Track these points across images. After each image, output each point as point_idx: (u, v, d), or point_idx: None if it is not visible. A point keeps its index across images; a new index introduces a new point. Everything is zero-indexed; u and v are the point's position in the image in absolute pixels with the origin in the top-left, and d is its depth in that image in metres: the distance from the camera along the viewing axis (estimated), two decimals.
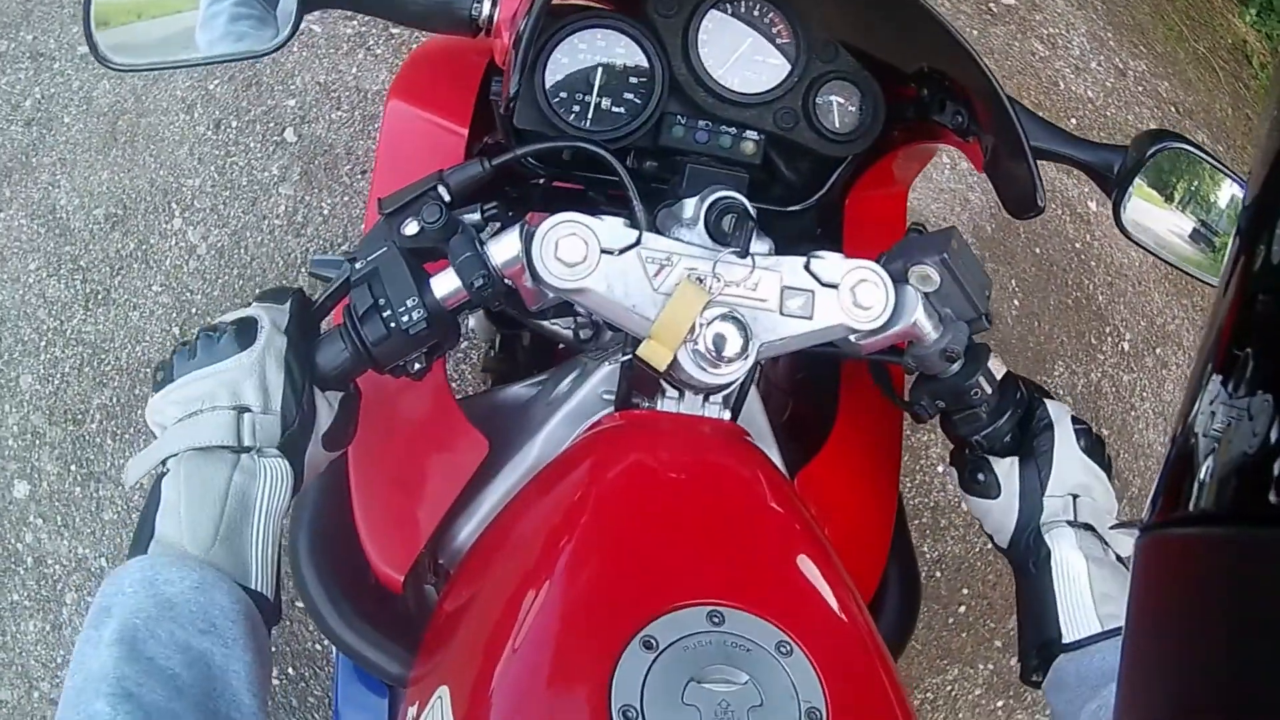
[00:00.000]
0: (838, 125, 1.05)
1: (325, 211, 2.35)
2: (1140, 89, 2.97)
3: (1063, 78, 2.87)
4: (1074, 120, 2.83)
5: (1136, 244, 1.03)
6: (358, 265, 0.87)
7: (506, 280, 0.87)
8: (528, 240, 0.84)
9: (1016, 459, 0.97)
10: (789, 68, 1.04)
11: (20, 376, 2.14)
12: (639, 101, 1.02)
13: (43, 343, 2.16)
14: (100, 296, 2.20)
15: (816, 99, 1.05)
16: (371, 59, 2.54)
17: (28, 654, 1.99)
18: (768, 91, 1.04)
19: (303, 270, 2.27)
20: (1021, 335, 2.53)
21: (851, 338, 0.90)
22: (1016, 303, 2.54)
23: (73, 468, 2.07)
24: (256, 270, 2.26)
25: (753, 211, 0.92)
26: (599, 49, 1.01)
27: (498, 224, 0.92)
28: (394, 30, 2.56)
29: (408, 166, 1.07)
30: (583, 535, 0.75)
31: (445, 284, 0.86)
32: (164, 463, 0.79)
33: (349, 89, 2.51)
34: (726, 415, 0.91)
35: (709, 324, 0.83)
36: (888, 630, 1.09)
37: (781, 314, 0.87)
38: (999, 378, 0.98)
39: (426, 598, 1.05)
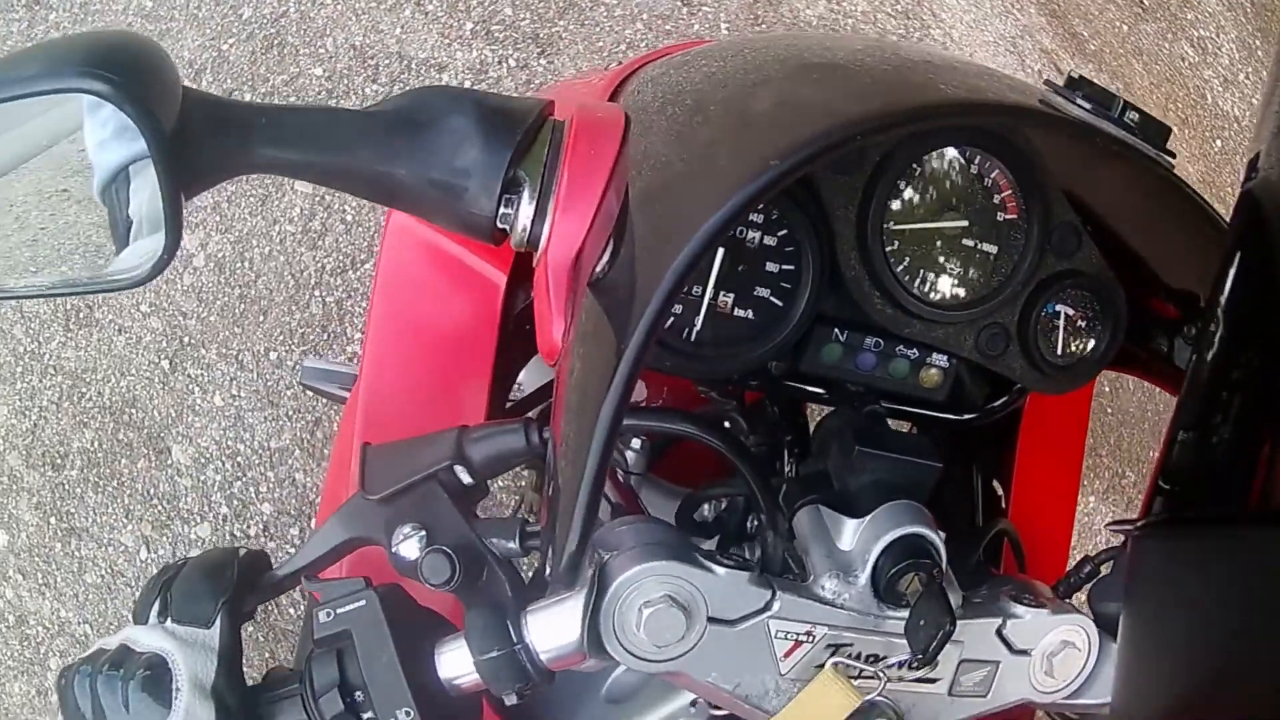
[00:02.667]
0: (1059, 351, 0.74)
1: (349, 218, 2.01)
2: None
3: (1210, 89, 2.47)
4: (1219, 142, 2.45)
5: None
6: (323, 616, 0.61)
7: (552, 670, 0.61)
8: (593, 604, 0.58)
9: None
10: (1010, 262, 0.72)
11: None
12: (777, 303, 0.70)
13: (19, 368, 1.87)
14: (82, 315, 1.89)
15: (1039, 310, 0.73)
16: (421, 16, 2.14)
17: (14, 716, 1.79)
18: (977, 301, 0.72)
19: (315, 294, 1.95)
20: (1140, 403, 2.23)
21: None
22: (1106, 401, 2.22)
23: (52, 520, 1.82)
24: (262, 290, 1.94)
25: (951, 581, 0.63)
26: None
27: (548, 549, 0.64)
28: None
29: (418, 313, 0.81)
30: None
31: (461, 671, 0.61)
32: None
33: (389, 55, 2.11)
34: None
35: None
36: None
37: (951, 694, 0.64)
38: None
39: None
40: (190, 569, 0.65)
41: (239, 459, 1.85)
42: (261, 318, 1.93)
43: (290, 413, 1.88)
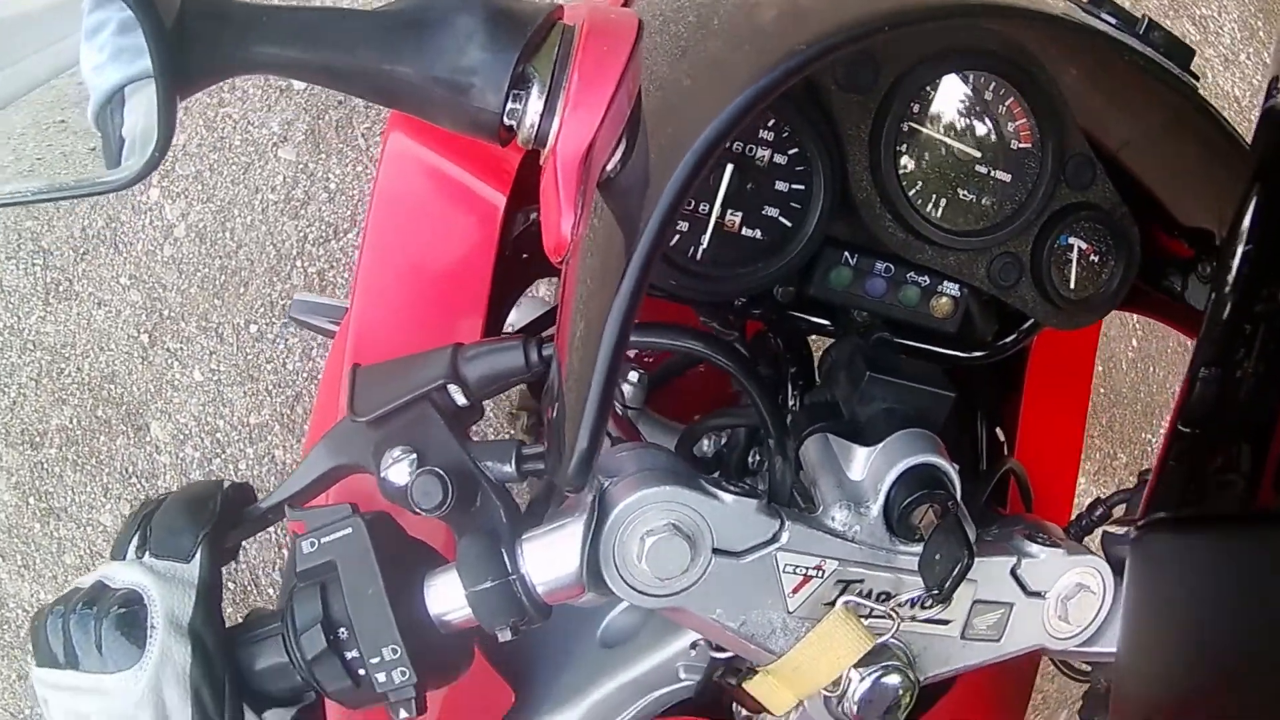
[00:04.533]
0: (1071, 285, 0.72)
1: (331, 186, 1.96)
2: None
3: (1211, 68, 2.40)
4: None
5: None
6: (306, 545, 0.57)
7: (549, 602, 0.58)
8: (593, 532, 0.55)
9: None
10: (1024, 191, 0.70)
11: None
12: (786, 223, 0.68)
13: None
14: (62, 288, 1.85)
15: (1051, 243, 0.71)
16: None
17: None
18: (990, 228, 0.69)
19: (297, 264, 1.91)
20: (1134, 384, 2.18)
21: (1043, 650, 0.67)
22: (1135, 343, 2.18)
23: (31, 500, 1.79)
24: (243, 261, 1.90)
25: (965, 514, 0.60)
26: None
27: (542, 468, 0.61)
28: None
29: (413, 239, 0.78)
30: None
31: (451, 606, 0.58)
32: None
33: None
34: None
35: (864, 677, 0.59)
36: None
37: (963, 637, 0.63)
38: None
39: None
40: (171, 502, 0.62)
41: (218, 435, 1.82)
42: (242, 289, 1.89)
43: (270, 387, 1.85)
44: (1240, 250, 0.43)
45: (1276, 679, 0.32)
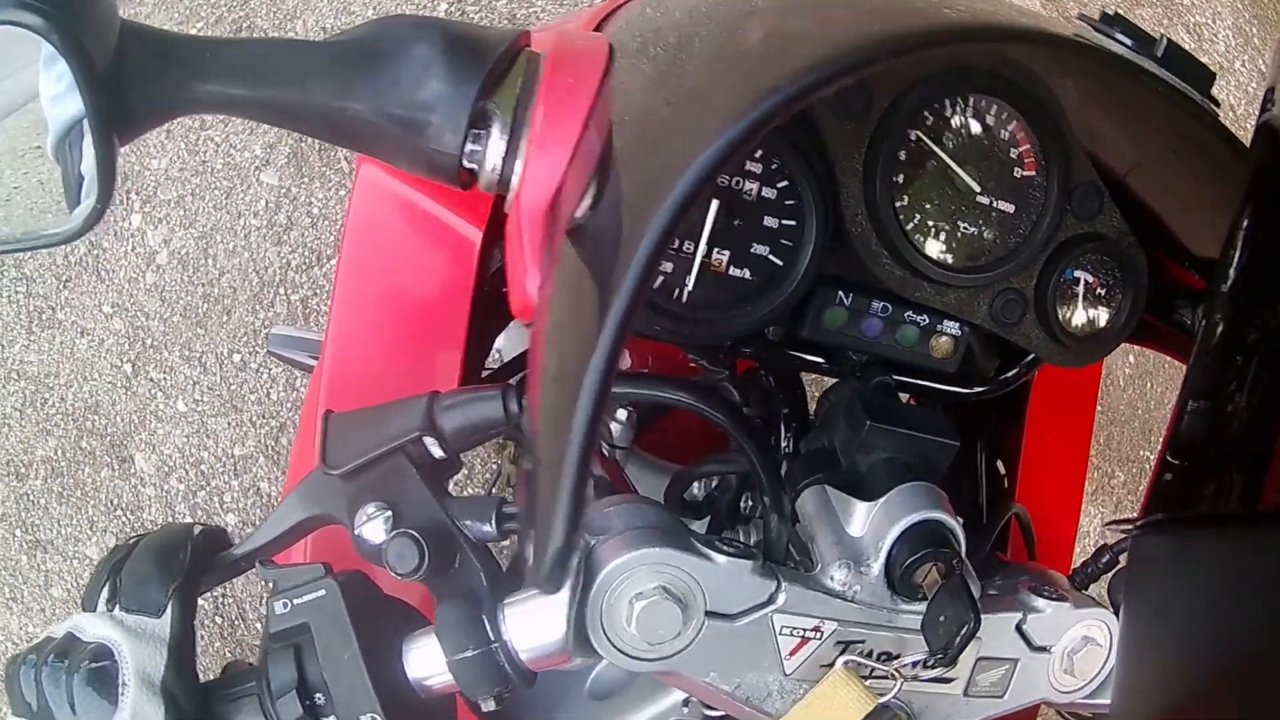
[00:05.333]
0: (1077, 321, 0.69)
1: (314, 210, 1.94)
2: None
3: None
4: None
5: None
6: (279, 606, 0.55)
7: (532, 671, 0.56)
8: (579, 595, 0.53)
9: None
10: (1028, 223, 0.66)
11: None
12: (777, 262, 0.64)
13: None
14: (45, 316, 1.84)
15: (1057, 276, 0.67)
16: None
17: None
18: (992, 264, 0.66)
19: (280, 292, 1.89)
20: (1131, 400, 2.15)
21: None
22: (1131, 359, 2.15)
23: (18, 532, 1.79)
24: (225, 289, 1.88)
25: (970, 571, 0.58)
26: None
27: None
28: None
29: (386, 272, 0.74)
30: None
31: (431, 671, 0.55)
32: None
33: None
34: None
35: None
36: None
37: (966, 694, 0.60)
38: None
39: None
40: (141, 550, 0.60)
41: (202, 467, 1.81)
42: (225, 317, 1.87)
43: (254, 418, 1.84)
44: (1234, 268, 0.42)
45: (1276, 680, 0.32)
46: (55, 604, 1.78)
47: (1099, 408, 2.10)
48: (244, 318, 1.88)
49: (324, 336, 0.83)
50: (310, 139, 1.96)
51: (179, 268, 1.89)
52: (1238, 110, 2.37)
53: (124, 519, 1.79)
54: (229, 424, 1.82)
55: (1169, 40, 0.56)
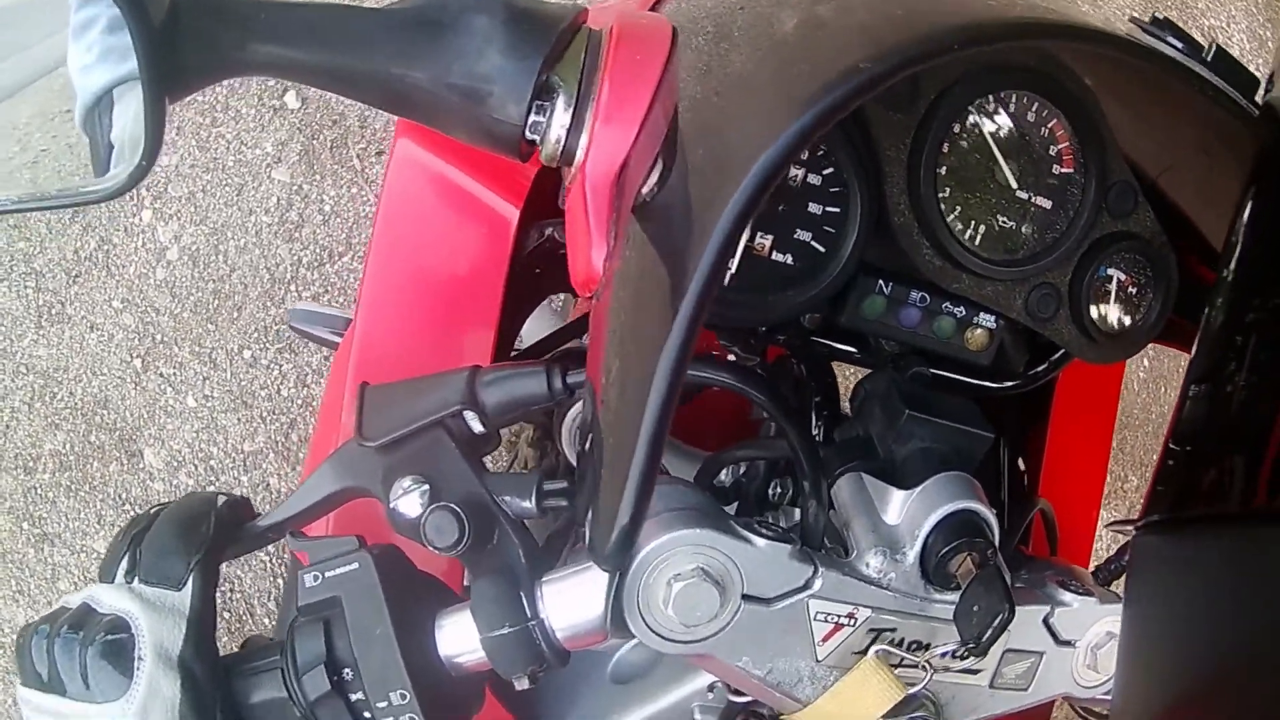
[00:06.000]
0: (1110, 319, 0.70)
1: (326, 208, 1.94)
2: None
3: None
4: None
5: None
6: (309, 579, 0.55)
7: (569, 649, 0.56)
8: (619, 581, 0.53)
9: None
10: (1065, 219, 0.67)
11: None
12: (820, 249, 0.64)
13: None
14: (54, 311, 1.84)
15: (1090, 274, 0.68)
16: None
17: None
18: (1030, 257, 0.67)
19: (291, 289, 1.89)
20: (1145, 405, 2.15)
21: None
22: (1146, 363, 2.14)
23: (25, 525, 1.78)
24: (236, 285, 1.88)
25: (1004, 563, 0.58)
26: None
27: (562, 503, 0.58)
28: None
29: (420, 248, 0.75)
30: None
31: (463, 649, 0.55)
32: None
33: None
34: None
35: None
36: None
37: (992, 686, 0.61)
38: None
39: None
40: (163, 521, 0.59)
41: (212, 463, 1.81)
42: (236, 314, 1.87)
43: (264, 414, 1.83)
44: (1237, 251, 0.41)
45: (1277, 680, 0.32)
46: (61, 597, 1.77)
47: None
48: (255, 314, 1.87)
49: (354, 309, 0.83)
50: (319, 138, 1.97)
51: (189, 264, 1.89)
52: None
53: (132, 513, 1.79)
54: (239, 420, 1.82)
55: (1217, 45, 0.57)
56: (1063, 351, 0.74)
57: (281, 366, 1.85)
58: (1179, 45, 0.57)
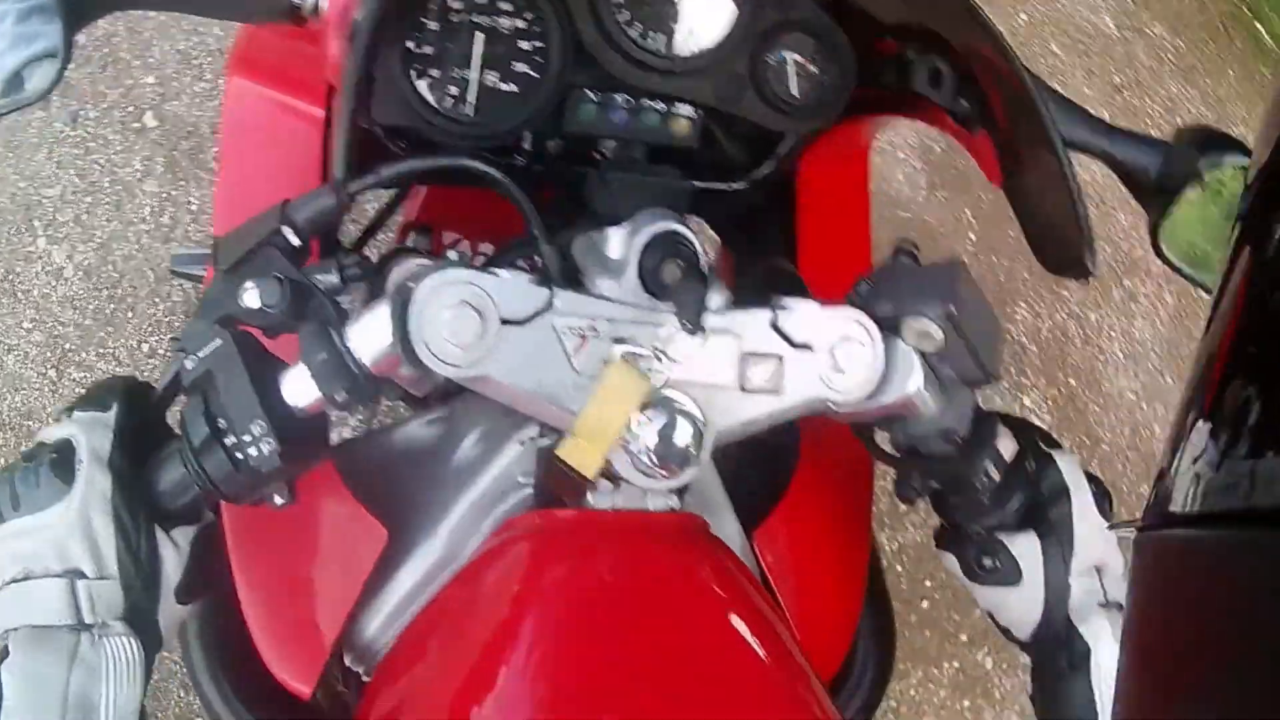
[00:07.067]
0: (794, 93, 0.85)
1: (194, 207, 2.15)
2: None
3: (1079, 13, 2.39)
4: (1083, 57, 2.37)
5: (1174, 270, 0.82)
6: (188, 363, 0.68)
7: (379, 378, 0.69)
8: (401, 316, 0.66)
9: (1035, 534, 0.79)
10: (732, 16, 0.82)
11: None
12: (534, 75, 0.81)
13: None
14: None
15: (768, 58, 0.83)
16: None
17: None
18: (705, 52, 0.82)
19: (174, 283, 2.11)
20: (979, 274, 2.26)
21: (830, 409, 0.73)
22: (973, 236, 2.25)
23: None
24: (127, 289, 2.11)
25: (705, 256, 0.73)
26: (476, 6, 0.79)
27: (362, 280, 0.73)
28: None
29: (258, 161, 0.92)
30: (510, 685, 0.64)
31: (301, 390, 0.68)
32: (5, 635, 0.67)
33: (212, 53, 2.27)
34: (675, 503, 0.74)
35: (650, 420, 0.67)
36: (861, 696, 0.95)
37: (743, 389, 0.70)
38: (1009, 458, 0.79)
39: (340, 702, 0.92)
40: (94, 387, 0.75)
41: None
42: (130, 314, 2.10)
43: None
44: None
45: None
46: None
47: (1102, 435, 2.14)
48: (146, 311, 2.10)
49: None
50: (179, 149, 2.17)
51: (84, 278, 2.12)
52: (1112, 37, 2.40)
53: None
54: None
55: None
56: (788, 145, 0.89)
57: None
58: None
